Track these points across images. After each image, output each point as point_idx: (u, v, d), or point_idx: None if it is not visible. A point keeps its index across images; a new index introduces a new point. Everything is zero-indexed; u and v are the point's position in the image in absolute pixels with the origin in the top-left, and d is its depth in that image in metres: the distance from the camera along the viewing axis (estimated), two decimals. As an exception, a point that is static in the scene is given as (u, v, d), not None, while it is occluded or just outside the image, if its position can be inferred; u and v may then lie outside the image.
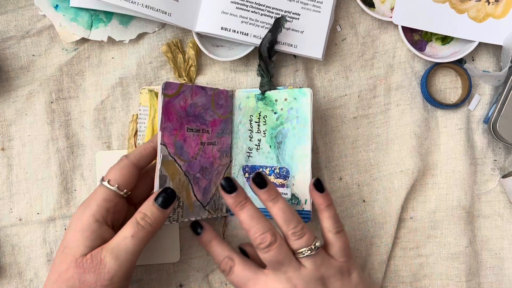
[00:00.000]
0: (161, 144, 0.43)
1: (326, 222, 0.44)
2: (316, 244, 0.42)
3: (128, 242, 0.40)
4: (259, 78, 0.52)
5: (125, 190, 0.43)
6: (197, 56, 0.52)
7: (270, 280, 0.42)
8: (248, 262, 0.44)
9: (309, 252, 0.42)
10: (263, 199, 0.43)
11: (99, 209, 0.41)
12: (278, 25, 0.48)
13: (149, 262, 0.50)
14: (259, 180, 0.43)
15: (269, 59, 0.50)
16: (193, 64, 0.51)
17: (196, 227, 0.46)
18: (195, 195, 0.47)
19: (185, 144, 0.46)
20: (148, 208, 0.42)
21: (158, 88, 0.50)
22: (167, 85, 0.44)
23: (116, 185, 0.42)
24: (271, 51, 0.49)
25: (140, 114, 0.51)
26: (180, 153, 0.45)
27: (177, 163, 0.45)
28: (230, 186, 0.43)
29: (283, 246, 0.42)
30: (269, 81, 0.50)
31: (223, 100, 0.49)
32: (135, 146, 0.50)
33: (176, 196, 0.43)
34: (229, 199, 0.43)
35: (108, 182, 0.42)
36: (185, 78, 0.51)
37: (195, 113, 0.46)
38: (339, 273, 0.43)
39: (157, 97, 0.50)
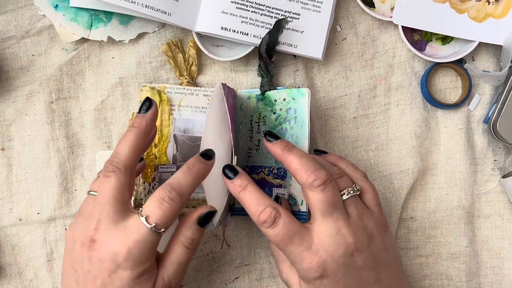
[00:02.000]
0: (233, 146, 0.43)
1: (351, 170, 0.42)
2: (356, 186, 0.40)
3: (182, 268, 0.40)
4: (259, 78, 0.52)
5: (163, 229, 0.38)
6: (198, 55, 0.52)
7: (318, 233, 0.38)
8: (291, 214, 0.39)
9: (352, 192, 0.39)
10: (277, 151, 0.41)
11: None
12: (278, 26, 0.48)
13: None
14: (271, 136, 0.42)
15: (269, 60, 0.50)
16: (194, 63, 0.51)
17: (228, 171, 0.41)
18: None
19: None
20: (194, 232, 0.40)
21: (160, 86, 0.50)
22: (224, 86, 0.44)
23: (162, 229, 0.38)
24: (271, 52, 0.49)
25: None
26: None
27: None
28: (273, 135, 0.42)
29: (335, 186, 0.38)
30: (269, 82, 0.50)
31: (234, 101, 0.49)
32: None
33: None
34: (276, 145, 0.41)
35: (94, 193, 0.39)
36: (186, 77, 0.51)
37: (232, 114, 0.46)
38: (379, 225, 0.40)
39: (159, 94, 0.50)
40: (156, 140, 0.50)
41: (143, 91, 0.50)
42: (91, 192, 0.41)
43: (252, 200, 0.39)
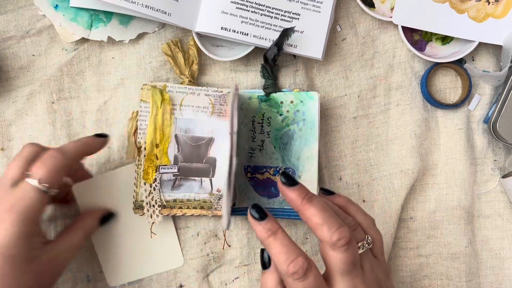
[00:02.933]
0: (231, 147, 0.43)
1: (361, 217, 0.41)
2: (369, 238, 0.38)
3: (73, 249, 0.45)
4: (259, 78, 0.52)
5: (56, 190, 0.42)
6: (199, 54, 0.51)
7: None
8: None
9: (366, 245, 0.38)
10: (295, 199, 0.37)
11: (37, 213, 0.41)
12: (285, 34, 0.49)
13: (155, 272, 0.50)
14: (287, 179, 0.38)
15: (273, 63, 0.50)
16: (195, 62, 0.51)
17: (255, 212, 0.38)
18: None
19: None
20: (94, 227, 0.47)
21: (161, 85, 0.50)
22: (237, 87, 0.44)
23: (50, 188, 0.41)
24: (276, 56, 0.50)
25: (140, 111, 0.50)
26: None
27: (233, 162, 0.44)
28: (290, 178, 0.38)
29: (355, 244, 0.37)
30: (273, 83, 0.50)
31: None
32: (135, 145, 0.50)
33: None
34: (294, 191, 0.37)
35: (43, 184, 0.41)
36: (187, 76, 0.51)
37: (235, 116, 0.47)
38: (385, 273, 0.39)
39: (161, 93, 0.49)
40: (157, 140, 0.49)
41: (144, 90, 0.50)
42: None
43: (282, 247, 0.36)
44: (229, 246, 0.52)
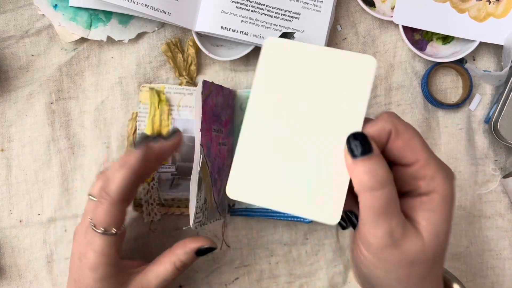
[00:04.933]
0: (200, 145, 0.43)
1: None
2: None
3: (166, 285, 0.42)
4: (259, 78, 0.52)
5: (122, 226, 0.41)
6: (197, 54, 0.51)
7: None
8: None
9: None
10: None
11: (110, 256, 0.40)
12: (285, 38, 0.49)
13: None
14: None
15: None
16: (193, 63, 0.51)
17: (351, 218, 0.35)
18: (213, 196, 0.46)
19: (211, 145, 0.45)
20: (189, 259, 0.43)
21: (159, 86, 0.50)
22: (205, 84, 0.43)
23: (113, 229, 0.40)
24: None
25: (140, 112, 0.50)
26: (208, 154, 0.44)
27: (207, 164, 0.44)
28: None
29: None
30: None
31: (231, 100, 0.49)
32: (134, 144, 0.50)
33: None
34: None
35: (103, 229, 0.40)
36: (185, 77, 0.51)
37: (217, 112, 0.46)
38: None
39: (158, 95, 0.50)
40: None
41: (143, 91, 0.50)
42: (91, 197, 0.42)
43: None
44: (228, 246, 0.51)
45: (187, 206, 0.50)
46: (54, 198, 0.51)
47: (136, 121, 0.50)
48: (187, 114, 0.50)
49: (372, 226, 0.32)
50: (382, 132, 0.32)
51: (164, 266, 0.42)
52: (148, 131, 0.50)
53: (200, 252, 0.43)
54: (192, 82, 0.51)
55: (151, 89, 0.50)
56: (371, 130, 0.32)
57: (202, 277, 0.51)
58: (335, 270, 0.52)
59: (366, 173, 0.31)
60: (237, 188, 0.33)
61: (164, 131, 0.50)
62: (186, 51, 0.51)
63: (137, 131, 0.50)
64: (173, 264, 0.42)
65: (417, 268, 0.33)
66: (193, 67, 0.51)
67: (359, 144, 0.31)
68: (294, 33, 0.49)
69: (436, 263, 0.33)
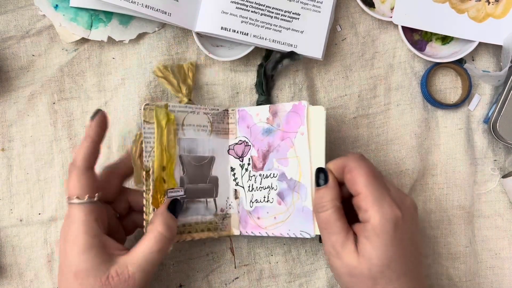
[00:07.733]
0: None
1: None
2: None
3: (154, 256, 0.41)
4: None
5: (96, 195, 0.41)
6: (194, 77, 0.52)
7: None
8: None
9: None
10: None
11: (89, 225, 0.40)
12: (290, 55, 0.50)
13: None
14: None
15: (271, 78, 0.51)
16: (189, 77, 0.51)
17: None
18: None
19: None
20: (168, 221, 0.42)
21: (162, 104, 0.46)
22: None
23: (86, 196, 0.41)
24: (274, 71, 0.51)
25: (144, 132, 0.44)
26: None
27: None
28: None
29: None
30: (266, 99, 0.51)
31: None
32: (142, 169, 0.45)
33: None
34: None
35: (77, 198, 0.41)
36: (184, 94, 0.50)
37: None
38: None
39: (166, 114, 0.46)
40: (164, 162, 0.46)
41: (146, 110, 0.45)
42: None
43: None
44: (233, 255, 0.52)
45: (197, 231, 0.47)
46: (55, 197, 0.51)
47: (140, 143, 0.45)
48: (192, 133, 0.48)
49: (323, 239, 0.42)
50: (338, 167, 0.42)
51: (146, 240, 0.41)
52: (157, 154, 0.45)
53: (171, 208, 0.44)
54: (190, 97, 0.50)
55: (158, 107, 0.45)
56: (330, 165, 0.43)
57: (202, 276, 0.51)
58: (335, 270, 0.52)
59: (316, 198, 0.43)
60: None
61: (172, 152, 0.46)
62: (182, 67, 0.51)
63: (144, 153, 0.45)
64: (154, 230, 0.41)
65: (357, 280, 0.39)
66: (189, 82, 0.51)
67: (322, 176, 0.43)
68: (300, 56, 0.50)
69: (377, 280, 0.39)
